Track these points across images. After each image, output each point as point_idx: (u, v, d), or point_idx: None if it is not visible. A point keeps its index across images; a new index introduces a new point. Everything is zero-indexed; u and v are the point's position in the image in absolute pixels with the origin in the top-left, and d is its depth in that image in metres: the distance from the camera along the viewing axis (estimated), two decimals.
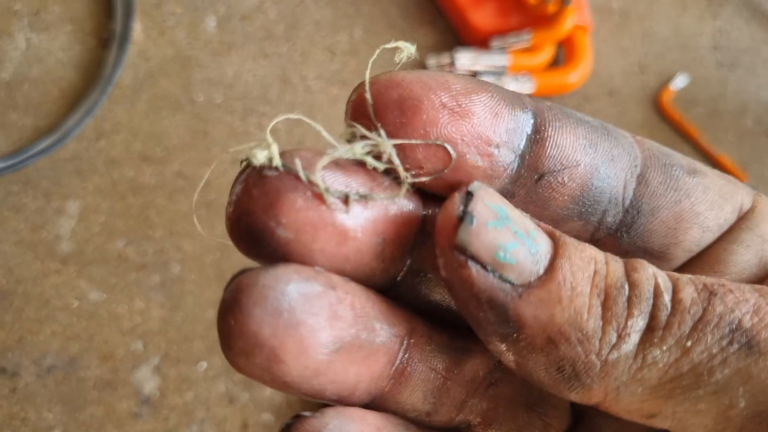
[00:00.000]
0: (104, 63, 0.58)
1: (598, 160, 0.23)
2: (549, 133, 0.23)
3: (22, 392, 0.51)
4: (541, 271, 0.20)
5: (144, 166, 0.57)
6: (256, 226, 0.21)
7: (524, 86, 0.61)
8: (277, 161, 0.22)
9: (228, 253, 0.55)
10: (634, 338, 0.20)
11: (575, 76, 0.63)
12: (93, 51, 0.60)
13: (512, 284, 0.20)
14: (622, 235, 0.25)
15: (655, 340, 0.20)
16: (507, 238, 0.20)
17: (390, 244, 0.23)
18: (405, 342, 0.24)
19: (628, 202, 0.25)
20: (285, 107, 0.60)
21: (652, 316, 0.20)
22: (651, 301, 0.20)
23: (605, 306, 0.20)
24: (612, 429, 0.27)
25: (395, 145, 0.22)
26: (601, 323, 0.20)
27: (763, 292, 0.20)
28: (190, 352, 0.53)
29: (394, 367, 0.23)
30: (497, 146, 0.22)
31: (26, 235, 0.54)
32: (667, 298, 0.20)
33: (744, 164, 0.65)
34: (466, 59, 0.61)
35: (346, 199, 0.22)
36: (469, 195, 0.20)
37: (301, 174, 0.21)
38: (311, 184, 0.21)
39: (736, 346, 0.19)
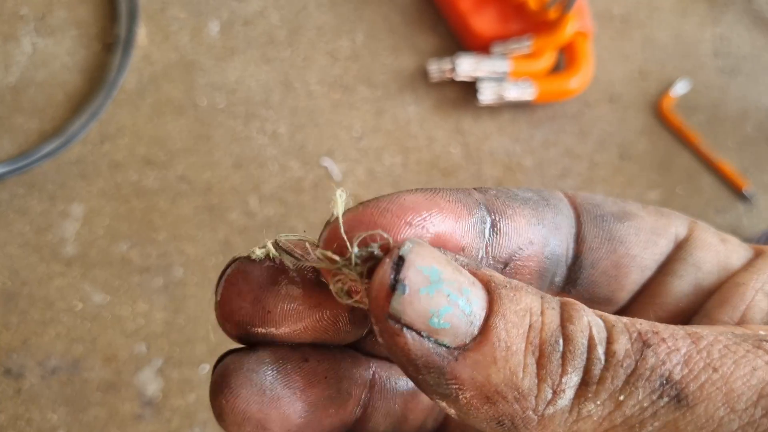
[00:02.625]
0: (109, 67, 0.59)
1: (546, 234, 0.25)
2: (503, 223, 0.24)
3: (26, 393, 0.51)
4: (476, 332, 0.21)
5: (147, 170, 0.57)
6: (244, 318, 0.24)
7: (525, 92, 0.62)
8: (273, 253, 0.24)
9: (230, 257, 0.56)
10: (569, 393, 0.21)
11: (576, 82, 0.64)
12: (98, 55, 0.60)
13: (447, 347, 0.21)
14: (569, 290, 0.27)
15: (590, 395, 0.20)
16: (440, 303, 0.21)
17: (359, 314, 0.25)
18: (368, 385, 0.27)
19: (570, 260, 0.26)
20: (287, 112, 0.61)
21: (586, 371, 0.21)
22: (585, 356, 0.21)
23: (540, 364, 0.21)
24: None
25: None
26: (536, 381, 0.21)
27: (696, 338, 0.21)
28: (192, 354, 0.54)
29: (359, 408, 0.27)
30: (462, 249, 0.24)
31: (31, 237, 0.54)
32: (600, 351, 0.21)
33: (745, 170, 0.65)
34: (467, 65, 0.61)
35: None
36: (401, 260, 0.21)
37: (288, 262, 0.24)
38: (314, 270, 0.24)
39: (666, 399, 0.20)
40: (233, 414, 0.23)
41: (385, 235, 0.22)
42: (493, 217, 0.24)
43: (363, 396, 0.27)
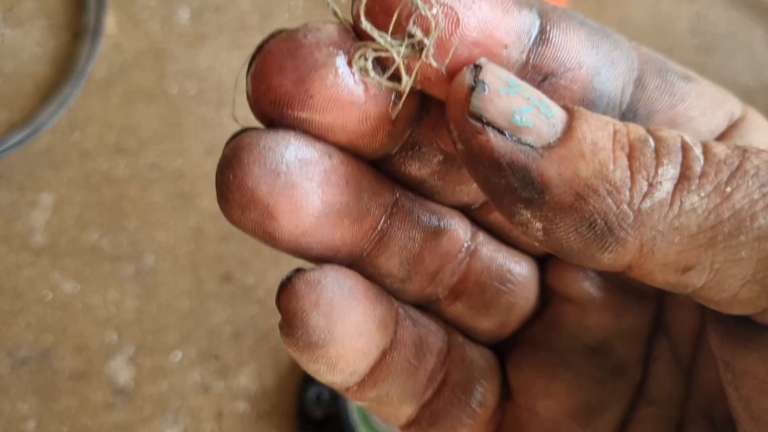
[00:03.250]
0: (77, 56, 0.58)
1: (599, 63, 0.23)
2: (554, 33, 0.22)
3: None
4: (559, 133, 0.20)
5: (118, 158, 0.57)
6: (282, 100, 0.21)
7: None
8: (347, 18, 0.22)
9: (202, 244, 0.55)
10: (666, 186, 0.19)
11: None
12: (67, 45, 0.60)
13: (531, 147, 0.20)
14: None
15: (692, 187, 0.19)
16: (520, 102, 0.20)
17: (399, 122, 0.23)
18: (388, 210, 0.25)
19: (625, 105, 0.24)
20: None
21: (685, 166, 0.20)
22: (680, 154, 0.20)
23: (631, 157, 0.20)
24: (576, 320, 0.28)
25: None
26: (629, 173, 0.19)
27: None
28: (164, 341, 0.53)
29: (375, 232, 0.24)
30: (505, 46, 0.22)
31: (0, 227, 0.54)
32: (698, 151, 0.20)
33: None
34: None
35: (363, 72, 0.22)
36: (478, 67, 0.20)
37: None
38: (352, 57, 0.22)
39: None
40: (239, 193, 0.21)
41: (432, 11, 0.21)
42: (544, 22, 0.22)
43: (382, 220, 0.24)
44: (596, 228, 0.19)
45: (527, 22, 0.22)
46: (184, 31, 0.62)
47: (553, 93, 0.23)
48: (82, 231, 0.55)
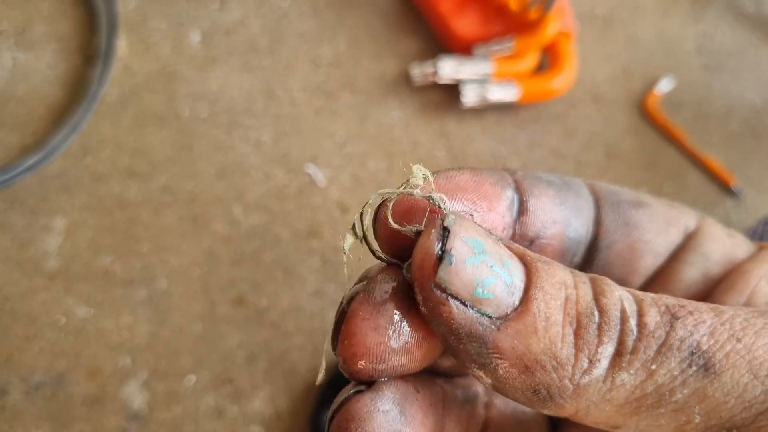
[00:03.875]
0: (89, 80, 0.59)
1: (569, 215, 0.26)
2: (531, 203, 0.25)
3: (10, 410, 0.51)
4: (517, 302, 0.21)
5: (130, 182, 0.57)
6: (381, 354, 0.23)
7: (509, 93, 0.62)
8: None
9: (215, 268, 0.55)
10: (604, 363, 0.21)
11: (560, 82, 0.63)
12: (78, 68, 0.60)
13: (490, 317, 0.21)
14: (585, 271, 0.27)
15: (623, 364, 0.21)
16: (484, 273, 0.21)
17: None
18: (442, 405, 0.27)
19: (589, 242, 0.28)
20: (270, 120, 0.61)
21: (620, 342, 0.21)
22: (619, 327, 0.21)
23: (577, 334, 0.21)
24: None
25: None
26: (573, 351, 0.21)
27: (718, 311, 0.22)
28: (178, 366, 0.53)
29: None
30: (503, 229, 0.25)
31: (13, 252, 0.54)
32: (633, 322, 0.21)
33: (731, 166, 0.65)
34: (449, 67, 0.61)
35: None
36: (446, 231, 0.21)
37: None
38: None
39: (694, 368, 0.21)
40: None
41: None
42: (521, 196, 0.25)
43: (443, 417, 0.27)
44: (539, 394, 0.21)
45: (510, 200, 0.25)
46: (195, 54, 0.62)
47: (538, 252, 0.26)
48: (95, 255, 0.55)
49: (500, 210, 0.25)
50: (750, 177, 0.65)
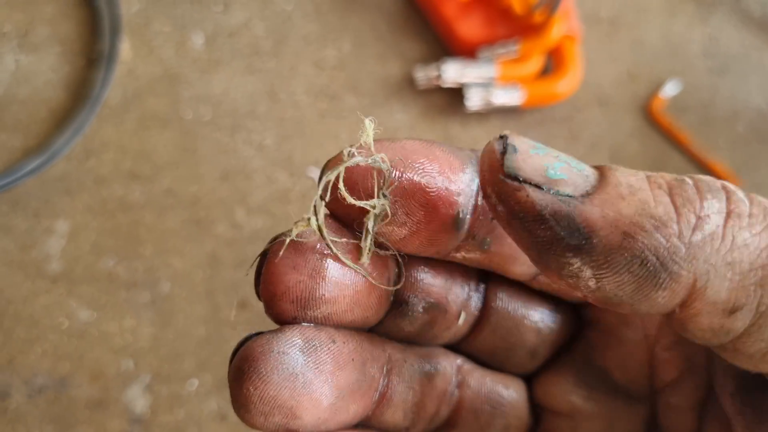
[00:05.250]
0: (92, 82, 0.59)
1: None
2: None
3: (13, 413, 0.51)
4: (594, 182, 0.20)
5: (133, 184, 0.57)
6: (302, 294, 0.23)
7: (513, 96, 0.61)
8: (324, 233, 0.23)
9: (218, 270, 0.55)
10: (715, 219, 0.19)
11: (564, 85, 0.63)
12: (81, 71, 0.60)
13: (570, 196, 0.20)
14: None
15: (743, 224, 0.19)
16: (552, 159, 0.21)
17: (386, 293, 0.25)
18: (384, 369, 0.26)
19: None
20: (273, 123, 0.61)
21: (731, 203, 0.20)
22: (723, 193, 0.20)
23: (672, 194, 0.20)
24: None
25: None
26: (673, 208, 0.20)
27: None
28: (180, 369, 0.53)
29: (377, 393, 0.25)
30: (458, 194, 0.23)
31: (16, 255, 0.54)
32: (741, 194, 0.20)
33: (737, 170, 0.65)
34: (453, 71, 0.61)
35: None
36: (504, 137, 0.21)
37: (328, 240, 0.23)
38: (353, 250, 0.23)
39: None
40: (262, 402, 0.22)
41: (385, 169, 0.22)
42: None
43: (381, 380, 0.25)
44: (648, 264, 0.19)
45: (469, 178, 0.23)
46: (198, 57, 0.62)
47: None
48: (98, 258, 0.55)
49: (460, 179, 0.23)
50: (755, 181, 0.65)
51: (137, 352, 0.53)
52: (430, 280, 0.26)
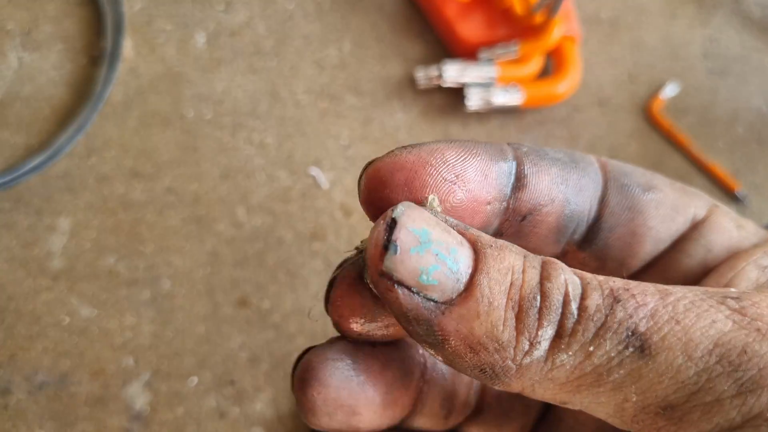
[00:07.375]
0: (95, 80, 0.59)
1: (569, 194, 0.27)
2: (529, 179, 0.26)
3: (13, 409, 0.51)
4: (462, 288, 0.23)
5: (134, 182, 0.57)
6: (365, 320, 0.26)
7: (513, 97, 0.62)
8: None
9: (218, 269, 0.56)
10: (544, 345, 0.22)
11: (564, 86, 0.63)
12: (84, 69, 0.60)
13: (435, 302, 0.22)
14: (584, 248, 0.29)
15: (563, 346, 0.22)
16: (429, 261, 0.22)
17: None
18: (421, 362, 0.29)
19: (591, 221, 0.28)
20: (274, 122, 0.61)
21: (560, 325, 0.22)
22: (560, 311, 0.23)
23: (518, 318, 0.22)
24: (572, 416, 0.32)
25: None
26: (515, 334, 0.22)
27: (664, 294, 0.22)
28: (180, 367, 0.53)
29: (418, 386, 0.29)
30: (488, 203, 0.26)
31: (18, 252, 0.54)
32: (574, 306, 0.22)
33: (736, 172, 0.65)
34: (453, 71, 0.61)
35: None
36: (394, 222, 0.23)
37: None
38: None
39: (631, 349, 0.22)
40: (326, 404, 0.25)
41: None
42: (519, 169, 0.26)
43: (418, 376, 0.29)
44: (486, 373, 0.23)
45: (505, 176, 0.26)
46: (200, 56, 0.62)
47: (531, 227, 0.27)
48: (99, 255, 0.55)
49: (487, 182, 0.25)
50: (755, 183, 0.65)
51: (137, 350, 0.53)
52: None
